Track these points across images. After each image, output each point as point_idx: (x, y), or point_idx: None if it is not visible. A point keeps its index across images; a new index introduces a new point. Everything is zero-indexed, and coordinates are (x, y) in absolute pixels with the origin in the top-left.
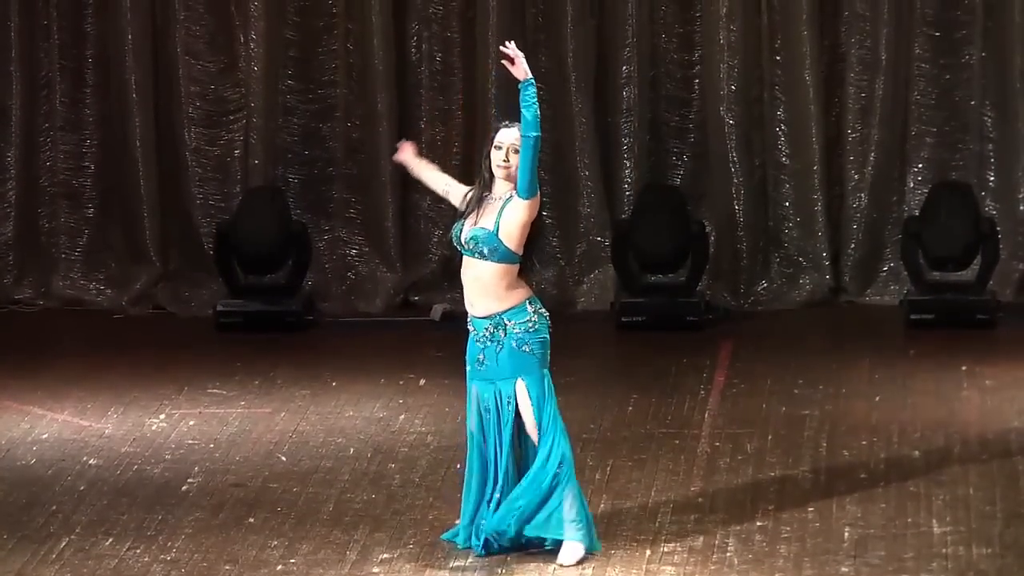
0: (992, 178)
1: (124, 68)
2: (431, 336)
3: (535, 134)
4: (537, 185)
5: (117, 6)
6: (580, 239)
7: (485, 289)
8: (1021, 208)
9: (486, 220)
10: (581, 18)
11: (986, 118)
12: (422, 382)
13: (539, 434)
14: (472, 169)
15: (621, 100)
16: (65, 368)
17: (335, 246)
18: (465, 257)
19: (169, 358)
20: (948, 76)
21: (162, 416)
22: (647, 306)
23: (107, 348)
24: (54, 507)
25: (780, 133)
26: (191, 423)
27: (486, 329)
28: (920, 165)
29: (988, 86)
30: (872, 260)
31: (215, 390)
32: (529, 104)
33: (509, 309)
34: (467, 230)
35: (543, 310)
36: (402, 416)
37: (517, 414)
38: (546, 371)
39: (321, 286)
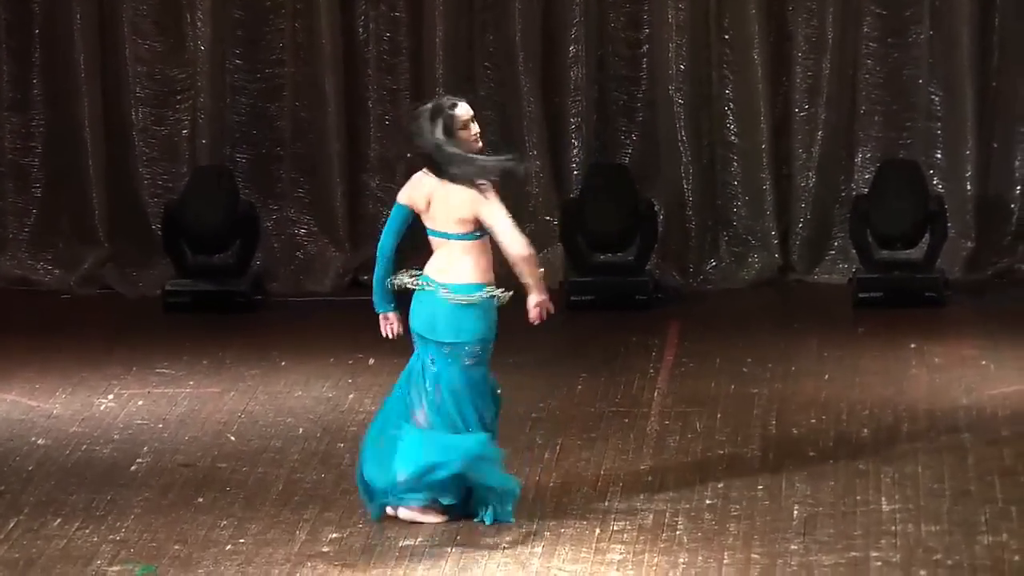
0: (940, 156)
1: (71, 47)
2: None
3: None
4: None
5: None
6: (529, 219)
7: None
8: (969, 186)
9: None
10: None
11: (934, 97)
12: (371, 361)
13: None
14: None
15: (569, 79)
16: (12, 348)
17: (284, 226)
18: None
19: (117, 338)
20: (896, 55)
21: (110, 396)
22: (596, 285)
23: (55, 328)
24: (2, 487)
25: (728, 112)
26: (139, 403)
27: None
28: (868, 144)
29: (936, 65)
30: (820, 239)
31: (163, 370)
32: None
33: None
34: None
35: None
36: (351, 395)
37: None
38: None
39: (270, 266)
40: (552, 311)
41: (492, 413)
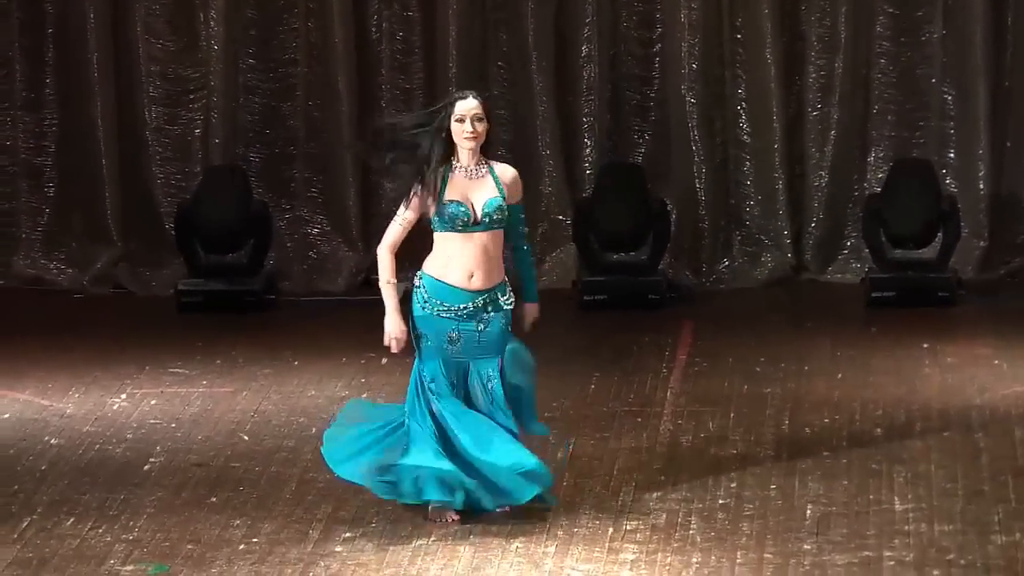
0: (952, 156)
1: (85, 47)
2: None
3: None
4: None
5: None
6: (542, 218)
7: (491, 259)
8: (981, 186)
9: (485, 191)
10: None
11: (947, 96)
12: (384, 361)
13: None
14: None
15: (581, 79)
16: (26, 347)
17: (296, 225)
18: (466, 233)
19: (130, 337)
20: (909, 54)
21: (123, 395)
22: (609, 285)
23: (68, 328)
24: (15, 487)
25: (741, 111)
26: (153, 402)
27: (473, 304)
28: (881, 143)
29: (949, 64)
30: (833, 238)
31: (176, 369)
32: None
33: (503, 281)
34: (478, 203)
35: None
36: (364, 395)
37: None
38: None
39: (282, 265)
40: (394, 351)
41: (417, 415)
